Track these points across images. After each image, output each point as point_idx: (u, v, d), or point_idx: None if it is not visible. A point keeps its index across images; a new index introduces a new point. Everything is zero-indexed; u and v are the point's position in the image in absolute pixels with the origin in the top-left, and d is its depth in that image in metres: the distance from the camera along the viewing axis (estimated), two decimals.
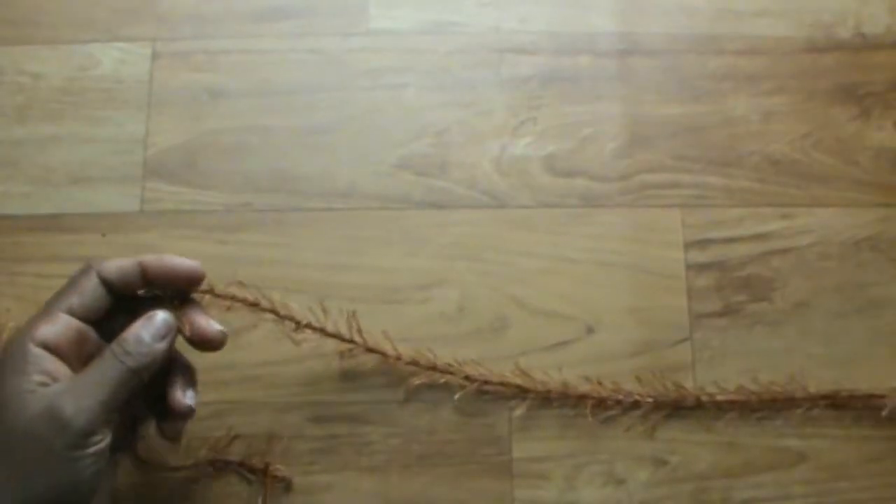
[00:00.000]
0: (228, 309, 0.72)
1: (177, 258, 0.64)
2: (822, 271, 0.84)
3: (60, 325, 0.59)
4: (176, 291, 0.66)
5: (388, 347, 0.78)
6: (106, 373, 0.58)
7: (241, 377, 0.79)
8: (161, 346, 0.61)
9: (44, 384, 0.56)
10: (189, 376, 0.67)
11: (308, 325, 0.76)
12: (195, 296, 0.68)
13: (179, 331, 0.64)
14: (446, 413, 0.80)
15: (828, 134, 0.88)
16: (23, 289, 0.82)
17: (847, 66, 0.90)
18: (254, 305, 0.73)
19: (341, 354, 0.79)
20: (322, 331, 0.77)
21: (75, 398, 0.56)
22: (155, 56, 0.88)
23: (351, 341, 0.77)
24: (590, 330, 0.82)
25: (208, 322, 0.65)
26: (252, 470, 0.78)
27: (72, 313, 0.60)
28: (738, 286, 0.84)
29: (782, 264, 0.84)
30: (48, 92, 0.87)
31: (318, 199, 0.84)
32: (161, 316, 0.62)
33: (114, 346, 0.60)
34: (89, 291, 0.61)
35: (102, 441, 0.58)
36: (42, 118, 0.86)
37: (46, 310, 0.60)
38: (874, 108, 0.88)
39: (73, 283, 0.62)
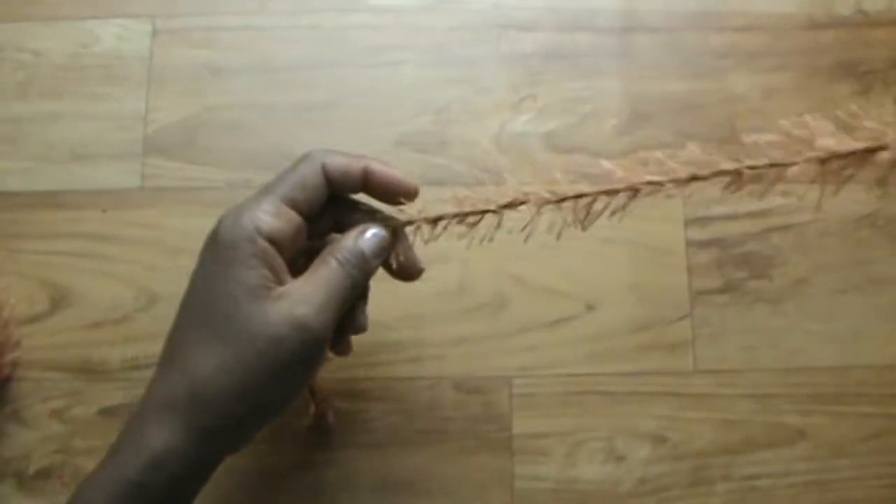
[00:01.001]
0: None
1: (399, 174, 0.63)
2: (821, 248, 0.84)
3: (286, 222, 0.58)
4: (387, 210, 0.65)
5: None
6: (338, 284, 0.58)
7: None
8: (376, 263, 0.62)
9: (269, 279, 0.56)
10: (366, 295, 0.67)
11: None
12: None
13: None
14: (446, 390, 0.80)
15: (828, 111, 0.87)
16: (23, 265, 0.82)
17: (848, 44, 0.89)
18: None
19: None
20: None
21: (317, 310, 0.56)
22: (155, 33, 0.88)
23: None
24: (590, 307, 0.82)
25: (413, 255, 0.65)
26: (314, 397, 0.78)
27: (296, 208, 0.59)
28: (737, 263, 0.84)
29: (782, 241, 0.84)
30: (48, 69, 0.87)
31: None
32: (380, 233, 0.62)
33: (338, 255, 0.59)
34: (313, 186, 0.60)
35: (326, 349, 0.59)
36: (42, 95, 0.86)
37: (268, 197, 0.58)
38: (875, 85, 0.88)
39: (297, 172, 0.60)
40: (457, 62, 0.88)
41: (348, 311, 0.62)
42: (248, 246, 0.55)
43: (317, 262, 0.59)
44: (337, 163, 0.60)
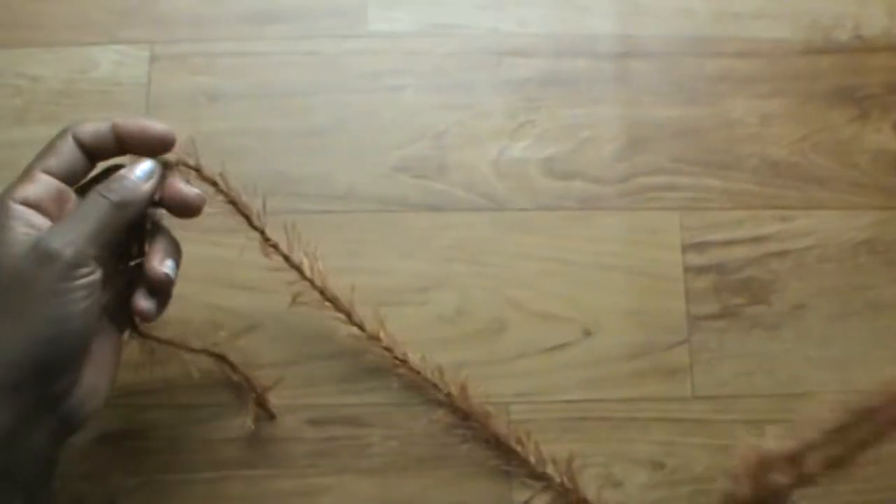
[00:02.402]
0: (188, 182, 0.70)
1: (149, 120, 0.64)
2: (820, 274, 0.84)
3: (40, 184, 0.60)
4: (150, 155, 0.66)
5: (341, 301, 0.78)
6: (91, 208, 0.59)
7: (240, 381, 0.79)
8: (146, 185, 0.62)
9: (29, 235, 0.57)
10: (172, 249, 0.67)
11: (274, 246, 0.76)
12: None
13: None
14: (444, 416, 0.80)
15: (826, 136, 0.88)
16: None
17: (845, 69, 0.90)
18: (213, 184, 0.72)
19: (293, 297, 0.78)
20: (286, 258, 0.76)
21: (61, 233, 0.57)
22: (153, 58, 0.88)
23: (306, 279, 0.77)
24: (587, 332, 0.82)
25: (187, 185, 0.66)
26: (252, 388, 0.78)
27: (50, 174, 0.61)
28: (736, 289, 0.84)
29: (780, 267, 0.84)
30: (46, 94, 0.87)
31: (316, 202, 0.84)
32: (147, 160, 0.63)
33: (99, 187, 0.60)
34: (66, 153, 0.61)
35: (92, 274, 0.58)
36: (40, 120, 0.86)
37: (25, 172, 0.61)
38: (872, 110, 0.88)
39: (49, 146, 0.62)
40: (455, 88, 0.88)
41: (147, 258, 0.64)
42: (4, 212, 0.57)
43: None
44: (85, 127, 0.63)
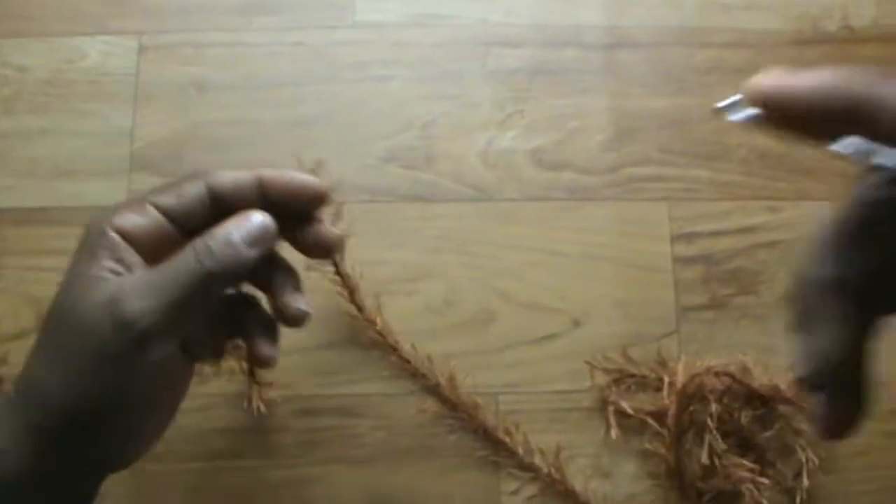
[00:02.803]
0: None
1: (301, 174, 0.56)
2: None
3: (145, 218, 0.53)
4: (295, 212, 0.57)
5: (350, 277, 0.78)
6: (181, 271, 0.50)
7: (226, 370, 0.79)
8: (251, 252, 0.52)
9: (114, 272, 0.51)
10: (295, 278, 0.58)
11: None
12: None
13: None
14: (433, 406, 0.80)
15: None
16: (8, 281, 0.82)
17: (834, 59, 0.90)
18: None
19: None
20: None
21: (141, 296, 0.49)
22: (141, 49, 0.88)
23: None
24: (576, 323, 0.82)
25: (328, 226, 0.58)
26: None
27: (162, 211, 0.53)
28: (724, 279, 0.84)
29: (769, 257, 0.84)
30: (34, 84, 0.87)
31: None
32: (258, 218, 0.53)
33: (197, 242, 0.51)
34: (190, 197, 0.54)
35: (164, 350, 0.51)
36: (28, 111, 0.86)
37: (138, 198, 0.54)
38: None
39: (177, 184, 0.55)
40: (443, 78, 0.88)
41: (278, 296, 0.56)
42: (98, 238, 0.52)
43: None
44: (223, 177, 0.56)
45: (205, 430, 0.79)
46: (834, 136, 0.39)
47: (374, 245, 0.83)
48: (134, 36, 0.88)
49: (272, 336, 0.59)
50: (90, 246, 0.52)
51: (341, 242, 0.58)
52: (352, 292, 0.79)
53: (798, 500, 0.78)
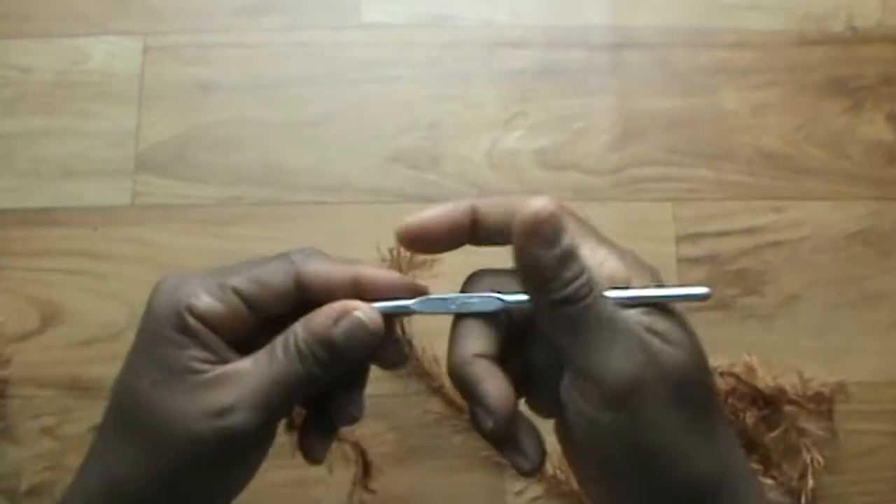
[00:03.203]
0: None
1: (397, 275, 0.51)
2: (813, 265, 0.84)
3: (224, 305, 0.48)
4: None
5: None
6: (284, 382, 0.47)
7: None
8: (354, 354, 0.48)
9: (201, 362, 0.47)
10: (362, 380, 0.54)
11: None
12: None
13: None
14: (438, 407, 0.80)
15: (819, 127, 0.88)
16: (13, 282, 0.82)
17: (838, 60, 0.90)
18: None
19: None
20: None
21: (248, 406, 0.46)
22: (146, 50, 0.88)
23: None
24: None
25: (397, 342, 0.53)
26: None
27: (245, 301, 0.49)
28: (729, 280, 0.84)
29: (774, 258, 0.84)
30: (39, 86, 0.87)
31: (310, 193, 0.84)
32: (364, 319, 0.48)
33: (297, 342, 0.48)
34: (276, 291, 0.49)
35: (264, 451, 0.50)
36: (33, 112, 0.86)
37: (218, 277, 0.49)
38: (866, 101, 0.88)
39: (264, 268, 0.50)
40: (449, 79, 0.88)
41: (334, 399, 0.52)
42: (177, 323, 0.47)
43: (275, 341, 0.49)
44: (317, 272, 0.50)
45: None
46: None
47: (379, 246, 0.83)
48: (138, 37, 0.88)
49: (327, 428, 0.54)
50: (167, 330, 0.48)
51: (404, 360, 0.54)
52: None
53: (803, 500, 0.78)
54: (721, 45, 0.89)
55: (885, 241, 0.85)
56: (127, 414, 0.49)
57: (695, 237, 0.84)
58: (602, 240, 0.48)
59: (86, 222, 0.83)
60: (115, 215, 0.83)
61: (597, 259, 0.46)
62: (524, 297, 0.47)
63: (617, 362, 0.44)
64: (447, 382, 0.78)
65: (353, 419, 0.52)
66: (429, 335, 0.80)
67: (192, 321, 0.47)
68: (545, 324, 0.46)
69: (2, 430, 0.79)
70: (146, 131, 0.85)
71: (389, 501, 0.78)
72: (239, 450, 0.48)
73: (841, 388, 0.81)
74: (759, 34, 0.90)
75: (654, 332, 0.45)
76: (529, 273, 0.45)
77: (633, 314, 0.45)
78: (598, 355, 0.44)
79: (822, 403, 0.80)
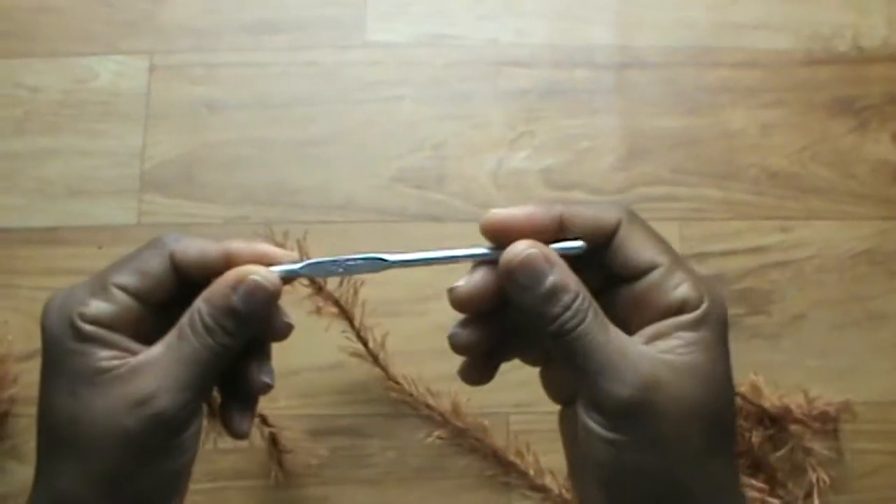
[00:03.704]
0: None
1: (270, 247, 0.51)
2: (819, 284, 0.84)
3: (112, 304, 0.48)
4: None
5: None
6: (199, 358, 0.48)
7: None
8: (259, 314, 0.49)
9: (111, 360, 0.47)
10: (265, 349, 0.54)
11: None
12: None
13: None
14: (443, 426, 0.80)
15: (825, 147, 0.88)
16: (20, 301, 0.82)
17: (845, 79, 0.90)
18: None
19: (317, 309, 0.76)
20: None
21: (174, 393, 0.47)
22: (152, 69, 0.88)
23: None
24: None
25: (280, 313, 0.52)
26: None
27: (128, 293, 0.48)
28: (735, 299, 0.83)
29: (780, 277, 0.84)
30: (46, 105, 0.87)
31: (316, 212, 0.84)
32: (255, 278, 0.49)
33: (202, 317, 0.48)
34: (155, 274, 0.49)
35: (195, 427, 0.50)
36: (39, 131, 0.86)
37: (98, 281, 0.49)
38: (871, 120, 0.88)
39: (137, 258, 0.50)
40: (454, 98, 0.88)
41: (241, 371, 0.52)
42: (73, 334, 0.47)
43: (181, 321, 0.49)
44: (189, 250, 0.50)
45: (211, 450, 0.78)
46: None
47: None
48: (145, 56, 0.88)
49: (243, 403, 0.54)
50: (67, 343, 0.48)
51: (288, 329, 0.53)
52: (351, 321, 0.78)
53: None
54: (727, 64, 0.89)
55: (890, 261, 0.85)
56: (55, 433, 0.49)
57: (701, 256, 0.84)
58: (679, 262, 0.49)
59: (92, 241, 0.83)
60: (122, 234, 0.83)
61: (671, 282, 0.47)
62: (409, 256, 0.54)
63: (612, 387, 0.45)
64: (447, 407, 0.79)
65: (268, 387, 0.52)
66: (429, 354, 0.80)
67: (86, 328, 0.47)
68: (553, 351, 0.48)
69: (9, 448, 0.79)
70: (152, 150, 0.86)
71: None
72: (169, 434, 0.48)
73: (847, 407, 0.80)
74: (765, 53, 0.90)
75: (664, 361, 0.45)
76: (521, 311, 0.47)
77: (641, 342, 0.46)
78: (594, 379, 0.45)
79: (828, 423, 0.80)
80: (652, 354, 0.46)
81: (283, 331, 0.52)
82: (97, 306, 0.47)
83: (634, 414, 0.45)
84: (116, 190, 0.85)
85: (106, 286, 0.48)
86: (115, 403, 0.47)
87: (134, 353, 0.48)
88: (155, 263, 0.49)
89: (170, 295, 0.50)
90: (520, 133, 0.87)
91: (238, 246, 0.50)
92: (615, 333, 0.46)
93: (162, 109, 0.87)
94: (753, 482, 0.77)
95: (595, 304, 0.47)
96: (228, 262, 0.50)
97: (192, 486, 0.77)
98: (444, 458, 0.79)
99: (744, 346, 0.83)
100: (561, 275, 0.47)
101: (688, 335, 0.46)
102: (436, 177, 0.85)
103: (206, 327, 0.48)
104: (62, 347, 0.48)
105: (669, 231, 0.84)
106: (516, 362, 0.81)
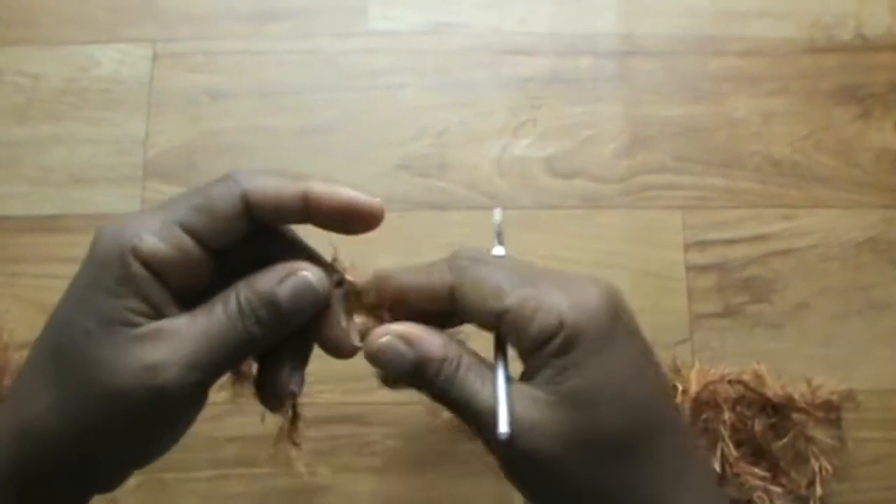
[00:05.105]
0: None
1: (352, 192, 0.50)
2: (822, 273, 0.84)
3: (174, 248, 0.45)
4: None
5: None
6: (222, 340, 0.46)
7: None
8: (297, 319, 0.48)
9: (143, 314, 0.45)
10: (303, 350, 0.52)
11: None
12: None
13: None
14: (446, 413, 0.80)
15: (828, 135, 0.87)
16: (22, 289, 0.82)
17: (848, 68, 0.89)
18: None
19: None
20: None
21: (183, 366, 0.44)
22: (154, 57, 0.88)
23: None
24: None
25: (344, 323, 0.51)
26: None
27: (193, 235, 0.45)
28: (738, 287, 0.83)
29: (783, 266, 0.84)
30: (48, 93, 0.87)
31: None
32: (309, 279, 0.47)
33: (240, 299, 0.46)
34: (224, 216, 0.46)
35: (196, 411, 0.49)
36: (42, 119, 0.86)
37: (161, 214, 0.46)
38: (875, 109, 0.88)
39: (206, 194, 0.46)
40: (457, 86, 0.88)
41: (274, 367, 0.50)
42: (118, 269, 0.44)
43: (216, 298, 0.47)
44: (265, 188, 0.47)
45: (216, 438, 0.79)
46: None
47: (387, 254, 0.82)
48: (147, 44, 0.88)
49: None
50: (108, 276, 0.45)
51: (353, 350, 0.51)
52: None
53: None
54: (730, 52, 0.89)
55: (894, 250, 0.85)
56: (54, 358, 0.46)
57: (703, 245, 0.84)
58: (526, 292, 0.47)
59: (94, 229, 0.83)
60: None
61: (522, 320, 0.47)
62: None
63: (492, 436, 0.46)
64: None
65: (293, 395, 0.51)
66: None
67: (136, 267, 0.44)
68: None
69: None
70: (155, 138, 0.86)
71: None
72: (167, 409, 0.46)
73: (850, 395, 0.80)
74: (768, 42, 0.90)
75: (535, 399, 0.46)
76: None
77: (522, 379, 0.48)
78: (478, 427, 0.48)
79: (831, 411, 0.80)
80: (525, 395, 0.46)
81: (342, 347, 0.51)
82: (154, 245, 0.45)
83: (515, 458, 0.47)
84: (119, 178, 0.85)
85: (167, 224, 0.45)
86: (123, 362, 0.44)
87: (164, 315, 0.46)
88: (225, 202, 0.46)
89: (237, 239, 0.47)
90: (522, 121, 0.87)
91: (318, 188, 0.48)
92: (491, 382, 0.47)
93: (164, 97, 0.87)
94: (756, 470, 0.77)
95: (467, 360, 0.48)
96: (306, 208, 0.47)
97: (195, 474, 0.79)
98: (445, 446, 0.79)
99: (746, 335, 0.83)
100: (420, 349, 0.48)
101: (557, 362, 0.45)
102: (438, 165, 0.85)
103: (240, 310, 0.46)
104: (101, 280, 0.45)
105: (672, 219, 0.84)
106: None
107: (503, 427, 0.45)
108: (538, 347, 0.46)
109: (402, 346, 0.48)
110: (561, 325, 0.45)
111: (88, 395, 0.45)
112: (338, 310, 0.50)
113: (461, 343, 0.49)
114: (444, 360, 0.47)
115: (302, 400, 0.79)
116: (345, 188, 0.49)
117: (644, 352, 0.49)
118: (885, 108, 0.88)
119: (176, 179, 0.85)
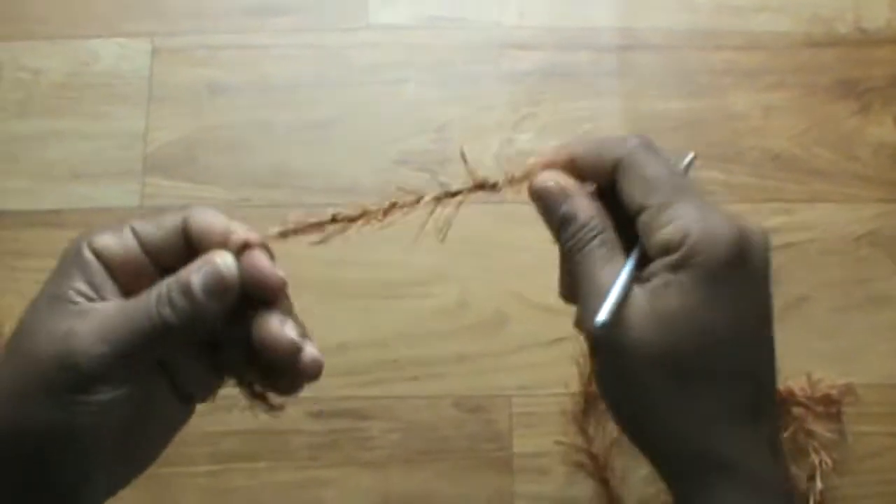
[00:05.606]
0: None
1: (256, 235, 0.50)
2: (822, 266, 0.84)
3: (121, 242, 0.49)
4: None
5: None
6: (139, 319, 0.47)
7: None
8: (212, 305, 0.47)
9: (83, 294, 0.47)
10: (287, 303, 0.53)
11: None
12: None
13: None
14: (446, 408, 0.80)
15: (828, 129, 0.88)
16: (23, 284, 0.82)
17: (847, 62, 0.89)
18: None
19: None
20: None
21: (95, 338, 0.46)
22: (155, 51, 0.88)
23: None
24: None
25: (270, 264, 0.50)
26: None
27: (142, 241, 0.49)
28: None
29: (783, 259, 0.84)
30: (48, 87, 0.87)
31: (319, 195, 0.84)
32: (220, 261, 0.48)
33: (161, 285, 0.47)
34: (167, 227, 0.49)
35: (111, 393, 0.47)
36: (42, 114, 0.86)
37: (122, 224, 0.50)
38: (874, 103, 0.88)
39: (161, 214, 0.50)
40: (458, 80, 0.88)
41: (259, 325, 0.50)
42: (74, 256, 0.49)
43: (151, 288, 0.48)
44: (203, 218, 0.49)
45: (216, 432, 0.79)
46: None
47: (387, 247, 0.83)
48: (147, 38, 0.88)
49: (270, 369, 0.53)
50: (65, 263, 0.49)
51: (281, 283, 0.51)
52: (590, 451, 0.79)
53: (811, 502, 0.78)
54: (729, 46, 0.89)
55: (893, 244, 0.85)
56: (13, 336, 0.49)
57: None
58: (672, 201, 0.49)
59: (94, 224, 0.83)
60: (124, 217, 0.82)
61: (656, 224, 0.48)
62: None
63: (586, 316, 0.48)
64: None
65: (290, 345, 0.50)
66: (433, 337, 0.80)
67: (87, 254, 0.48)
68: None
69: None
70: (155, 133, 0.86)
71: (396, 502, 0.78)
72: (77, 379, 0.46)
73: (849, 389, 0.80)
74: (767, 36, 0.90)
75: (637, 303, 0.48)
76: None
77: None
78: (580, 304, 0.51)
79: (831, 405, 0.80)
80: (631, 294, 0.48)
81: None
82: (106, 240, 0.49)
83: (601, 347, 0.50)
84: (119, 172, 0.85)
85: (125, 227, 0.50)
86: (48, 328, 0.47)
87: (105, 300, 0.48)
88: (170, 222, 0.50)
89: (175, 260, 0.49)
90: (523, 115, 0.87)
91: (236, 237, 0.49)
92: (615, 267, 0.49)
93: (164, 92, 0.87)
94: None
95: (605, 236, 0.51)
96: (224, 242, 0.49)
97: (195, 468, 0.79)
98: (446, 440, 0.79)
99: None
100: (572, 205, 0.52)
101: (667, 276, 0.47)
102: (439, 159, 0.85)
103: (159, 295, 0.47)
104: (59, 267, 0.49)
105: None
106: (525, 342, 0.81)
107: (602, 315, 0.46)
108: (658, 255, 0.48)
109: (560, 195, 0.53)
110: (682, 242, 0.47)
111: (18, 364, 0.47)
112: (277, 308, 0.51)
113: (607, 220, 0.52)
114: (585, 225, 0.51)
115: (301, 394, 0.79)
116: (253, 233, 0.50)
117: (755, 308, 0.50)
118: (884, 102, 0.88)
119: (176, 174, 0.85)
